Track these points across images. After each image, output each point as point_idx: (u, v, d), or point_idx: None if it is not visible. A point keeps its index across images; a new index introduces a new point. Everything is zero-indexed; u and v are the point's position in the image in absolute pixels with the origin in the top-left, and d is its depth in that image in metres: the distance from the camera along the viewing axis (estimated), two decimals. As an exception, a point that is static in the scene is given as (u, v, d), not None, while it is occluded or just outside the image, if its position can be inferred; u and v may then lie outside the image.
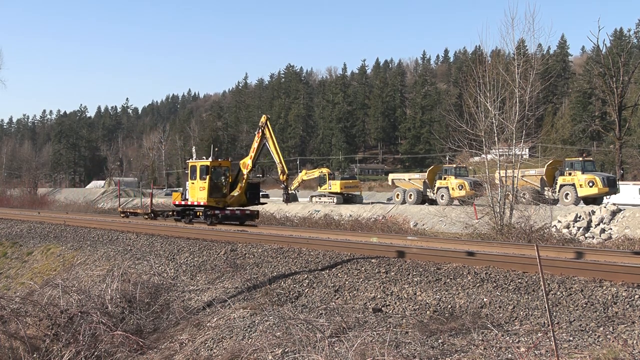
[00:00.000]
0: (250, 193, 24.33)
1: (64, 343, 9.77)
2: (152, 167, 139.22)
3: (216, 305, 11.23)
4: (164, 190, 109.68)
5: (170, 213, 26.68)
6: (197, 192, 23.71)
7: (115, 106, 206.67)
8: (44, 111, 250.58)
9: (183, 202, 24.48)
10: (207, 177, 23.34)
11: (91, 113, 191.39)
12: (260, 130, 23.51)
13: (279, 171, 23.57)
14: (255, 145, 23.88)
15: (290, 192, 52.94)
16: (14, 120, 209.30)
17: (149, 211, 27.63)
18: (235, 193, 23.84)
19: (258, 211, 25.38)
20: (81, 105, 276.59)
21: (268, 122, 23.32)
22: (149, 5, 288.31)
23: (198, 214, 23.96)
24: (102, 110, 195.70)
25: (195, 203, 23.75)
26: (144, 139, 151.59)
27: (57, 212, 42.11)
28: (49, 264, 18.83)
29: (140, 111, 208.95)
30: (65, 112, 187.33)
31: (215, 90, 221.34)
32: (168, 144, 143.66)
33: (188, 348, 9.77)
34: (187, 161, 24.74)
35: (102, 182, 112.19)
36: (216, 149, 25.12)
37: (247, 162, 23.99)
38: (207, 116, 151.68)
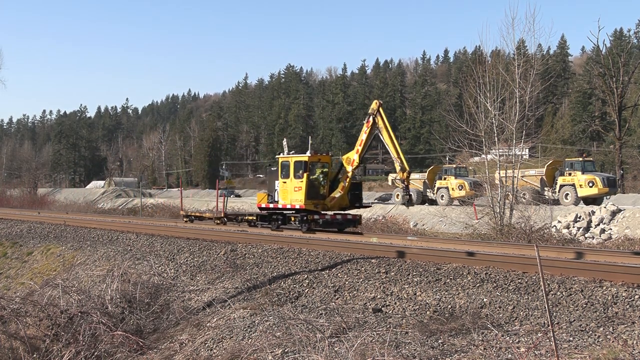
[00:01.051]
0: (352, 194, 20.46)
1: (64, 343, 9.78)
2: (152, 167, 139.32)
3: (216, 306, 11.23)
4: (164, 190, 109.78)
5: (249, 218, 22.94)
6: (290, 193, 19.75)
7: (115, 106, 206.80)
8: (44, 111, 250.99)
9: (271, 205, 20.65)
10: (305, 175, 19.37)
11: (91, 113, 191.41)
12: (370, 119, 19.51)
13: (398, 168, 19.24)
14: (363, 136, 19.79)
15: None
16: (14, 120, 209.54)
17: (222, 215, 24.13)
18: (337, 194, 19.76)
19: (360, 216, 21.28)
20: (81, 105, 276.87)
21: (381, 109, 19.37)
22: (149, 5, 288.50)
23: (292, 219, 20.19)
24: (102, 110, 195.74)
25: (289, 206, 19.82)
26: (144, 139, 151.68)
27: (57, 212, 42.13)
28: (49, 264, 18.83)
29: (140, 111, 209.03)
30: (65, 112, 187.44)
31: (215, 90, 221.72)
32: (168, 144, 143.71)
33: (188, 348, 9.78)
34: (277, 156, 20.93)
35: (102, 182, 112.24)
36: (311, 142, 21.40)
37: (352, 158, 19.97)
38: (207, 116, 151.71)
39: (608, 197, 35.14)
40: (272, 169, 21.78)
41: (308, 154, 19.81)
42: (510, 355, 7.11)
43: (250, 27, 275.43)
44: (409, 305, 10.09)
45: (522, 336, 7.93)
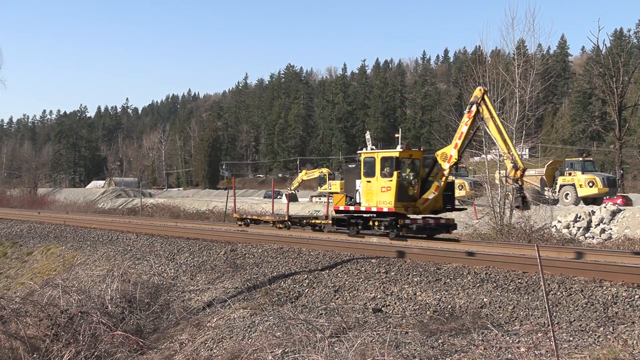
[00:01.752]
0: (444, 195, 17.78)
1: (64, 343, 9.78)
2: (152, 167, 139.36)
3: (216, 306, 11.24)
4: (164, 190, 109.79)
5: (318, 222, 20.46)
6: (376, 194, 17.35)
7: (115, 106, 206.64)
8: (44, 111, 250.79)
9: (352, 208, 18.12)
10: (396, 173, 16.86)
11: (91, 113, 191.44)
12: (473, 108, 16.68)
13: (509, 166, 16.04)
14: (464, 129, 16.91)
15: (290, 192, 53.12)
16: (14, 120, 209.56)
17: (286, 219, 21.20)
18: (430, 195, 17.22)
19: (453, 219, 18.65)
20: (81, 105, 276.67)
21: (486, 96, 16.64)
22: (149, 5, 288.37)
23: (375, 223, 17.67)
24: (102, 110, 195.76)
25: (374, 209, 17.42)
26: (144, 139, 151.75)
27: (57, 212, 42.13)
28: (49, 264, 18.83)
29: (140, 111, 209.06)
30: (65, 112, 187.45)
31: (215, 90, 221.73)
32: (168, 144, 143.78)
33: (188, 348, 9.78)
34: (360, 152, 18.37)
35: (102, 182, 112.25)
36: (397, 135, 18.70)
37: (448, 153, 17.23)
38: (207, 116, 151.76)
39: (608, 197, 35.15)
40: (350, 166, 19.52)
41: (399, 148, 17.34)
42: (510, 355, 7.11)
43: (250, 27, 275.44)
44: (409, 305, 10.09)
45: (522, 336, 7.93)
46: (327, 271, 12.31)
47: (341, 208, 18.57)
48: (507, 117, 22.50)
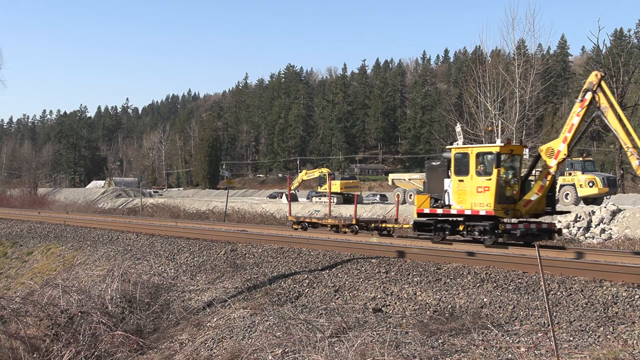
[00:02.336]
0: (548, 196, 15.68)
1: (64, 343, 9.78)
2: (152, 167, 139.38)
3: (216, 305, 11.23)
4: (164, 190, 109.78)
5: (390, 225, 18.75)
6: (471, 194, 15.24)
7: (115, 106, 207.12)
8: (44, 111, 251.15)
9: (440, 210, 16.00)
10: (496, 171, 14.79)
11: (91, 113, 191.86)
12: (587, 96, 14.54)
13: (635, 163, 13.63)
14: (575, 120, 14.79)
15: (291, 192, 53.10)
16: (14, 120, 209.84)
17: (354, 222, 19.11)
18: (533, 196, 15.11)
19: (554, 224, 16.49)
20: (81, 105, 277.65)
21: (603, 83, 14.41)
22: (149, 5, 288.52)
23: (465, 228, 15.55)
24: (102, 110, 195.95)
25: (468, 212, 15.22)
26: (144, 139, 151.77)
27: (57, 212, 42.12)
28: (49, 264, 18.83)
29: (140, 111, 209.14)
30: (65, 112, 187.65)
31: (215, 90, 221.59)
32: (168, 144, 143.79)
33: (188, 348, 9.78)
34: (450, 147, 16.20)
35: (102, 182, 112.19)
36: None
37: (555, 148, 15.14)
38: (207, 116, 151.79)
39: (608, 197, 35.14)
40: (434, 163, 17.41)
41: (499, 142, 15.32)
42: (510, 355, 7.11)
43: (250, 27, 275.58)
44: (409, 305, 10.09)
45: (522, 336, 7.94)
46: (327, 271, 12.31)
47: (426, 211, 16.25)
48: (507, 117, 22.53)
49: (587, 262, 11.41)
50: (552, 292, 9.41)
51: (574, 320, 8.41)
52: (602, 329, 7.85)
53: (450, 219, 15.84)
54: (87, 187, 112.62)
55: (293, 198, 51.01)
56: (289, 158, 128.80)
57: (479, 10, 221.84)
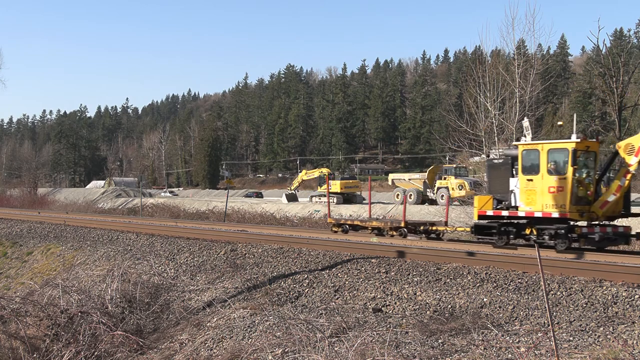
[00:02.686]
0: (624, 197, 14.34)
1: (64, 343, 9.78)
2: (152, 167, 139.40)
3: (216, 305, 11.23)
4: (164, 190, 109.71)
5: (440, 228, 17.64)
6: (542, 195, 13.94)
7: (115, 106, 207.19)
8: (44, 111, 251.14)
9: (506, 212, 14.63)
10: (571, 170, 13.57)
11: (91, 113, 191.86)
12: None
13: None
14: None
15: (290, 191, 53.16)
16: (14, 120, 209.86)
17: (402, 225, 17.51)
18: (610, 197, 13.79)
19: (630, 227, 14.82)
20: (81, 105, 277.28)
21: None
22: (149, 5, 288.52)
23: (532, 231, 14.22)
24: (102, 110, 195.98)
25: (538, 214, 13.88)
26: (144, 139, 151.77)
27: (57, 212, 42.11)
28: (49, 264, 18.83)
29: (140, 111, 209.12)
30: (65, 112, 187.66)
31: (215, 90, 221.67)
32: (168, 144, 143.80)
33: (188, 348, 9.78)
34: (517, 143, 15.04)
35: (102, 182, 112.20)
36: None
37: (636, 144, 13.78)
38: (207, 116, 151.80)
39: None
40: (495, 161, 15.98)
41: (574, 138, 13.97)
42: (510, 355, 7.11)
43: (250, 27, 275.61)
44: (409, 305, 10.09)
45: (522, 336, 7.94)
46: (327, 271, 12.31)
47: (489, 213, 14.83)
48: (507, 117, 22.51)
49: (587, 262, 11.41)
50: (552, 292, 9.41)
51: (574, 320, 8.41)
52: (602, 329, 7.85)
53: (515, 221, 14.42)
54: (87, 187, 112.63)
55: (293, 198, 51.03)
56: (289, 158, 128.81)
57: (479, 10, 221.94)
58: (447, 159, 47.09)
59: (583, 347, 7.21)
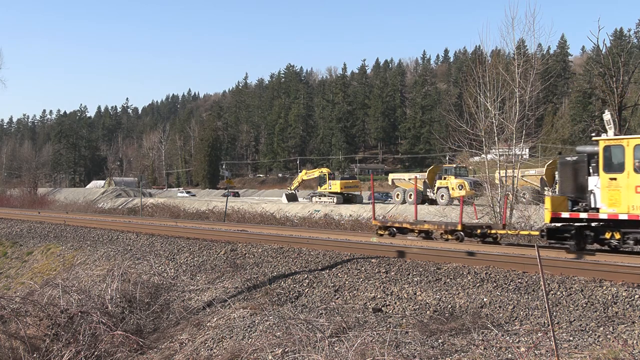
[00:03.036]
0: None
1: (64, 343, 9.77)
2: (152, 167, 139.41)
3: (216, 305, 11.23)
4: (164, 190, 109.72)
5: (498, 232, 15.95)
6: (627, 195, 12.79)
7: (115, 106, 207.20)
8: (44, 111, 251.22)
9: (584, 215, 13.46)
10: None
11: (91, 113, 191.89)
12: None
13: None
14: None
15: (290, 191, 53.15)
16: (14, 120, 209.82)
17: (459, 228, 16.03)
18: None
19: None
20: (81, 105, 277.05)
21: None
22: (149, 5, 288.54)
23: (611, 235, 13.08)
24: (102, 110, 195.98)
25: (623, 216, 12.74)
26: (144, 139, 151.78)
27: (57, 212, 42.11)
28: (49, 264, 18.82)
29: (140, 111, 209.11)
30: (65, 112, 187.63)
31: (215, 90, 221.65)
32: (168, 144, 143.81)
33: (188, 348, 9.78)
34: (597, 138, 13.58)
35: (102, 182, 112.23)
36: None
37: None
38: (207, 116, 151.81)
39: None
40: (568, 158, 14.85)
41: None
42: (510, 355, 7.11)
43: (250, 27, 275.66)
44: (409, 305, 10.09)
45: (522, 336, 7.94)
46: (327, 271, 12.31)
47: (565, 215, 13.61)
48: (507, 117, 22.49)
49: (587, 262, 11.41)
50: (552, 292, 9.41)
51: (574, 320, 8.41)
52: (602, 328, 7.85)
53: (594, 224, 13.35)
54: (87, 187, 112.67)
55: (293, 198, 51.03)
56: (289, 158, 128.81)
57: (479, 10, 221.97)
58: (447, 159, 47.08)
59: (583, 347, 7.21)
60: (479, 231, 15.94)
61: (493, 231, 15.92)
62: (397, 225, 18.04)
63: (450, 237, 16.16)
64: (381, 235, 17.72)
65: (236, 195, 76.67)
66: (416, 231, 17.26)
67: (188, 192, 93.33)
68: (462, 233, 15.87)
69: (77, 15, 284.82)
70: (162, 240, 18.18)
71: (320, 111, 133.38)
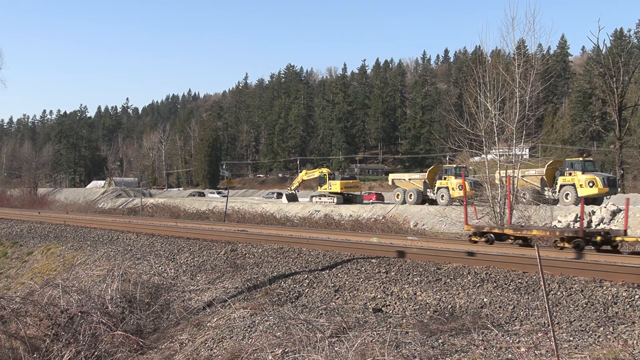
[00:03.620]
0: None
1: (64, 343, 9.77)
2: (152, 167, 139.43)
3: (216, 305, 11.23)
4: (164, 190, 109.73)
5: (627, 239, 14.15)
6: None
7: (115, 106, 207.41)
8: (44, 111, 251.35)
9: None
10: None
11: (91, 113, 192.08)
12: None
13: None
14: None
15: (290, 191, 53.08)
16: (14, 120, 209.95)
17: (579, 235, 14.07)
18: None
19: None
20: (81, 105, 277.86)
21: None
22: (149, 5, 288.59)
23: None
24: (102, 110, 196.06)
25: None
26: (144, 139, 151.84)
27: (57, 212, 42.12)
28: (49, 264, 18.82)
29: (140, 111, 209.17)
30: (65, 112, 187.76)
31: (215, 90, 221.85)
32: (168, 144, 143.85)
33: (188, 348, 9.77)
34: None
35: (102, 182, 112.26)
36: None
37: None
38: (207, 116, 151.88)
39: (608, 197, 35.11)
40: None
41: None
42: (510, 355, 7.11)
43: (250, 27, 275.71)
44: (409, 305, 10.09)
45: (522, 336, 7.93)
46: (327, 271, 12.31)
47: None
48: (507, 117, 22.48)
49: (587, 262, 11.41)
50: (552, 292, 9.40)
51: (574, 320, 8.41)
52: (602, 329, 7.85)
53: None
54: (87, 187, 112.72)
55: (293, 198, 51.01)
56: (289, 158, 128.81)
57: (479, 10, 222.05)
58: (447, 159, 47.06)
59: (583, 347, 7.21)
60: (598, 238, 13.96)
61: (619, 238, 14.05)
62: (496, 231, 16.01)
63: (567, 245, 14.04)
64: (475, 242, 15.85)
65: (202, 195, 76.89)
66: (512, 238, 15.37)
67: (219, 193, 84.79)
68: (582, 241, 13.80)
69: (77, 15, 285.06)
70: (162, 241, 18.18)
71: (320, 111, 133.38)
